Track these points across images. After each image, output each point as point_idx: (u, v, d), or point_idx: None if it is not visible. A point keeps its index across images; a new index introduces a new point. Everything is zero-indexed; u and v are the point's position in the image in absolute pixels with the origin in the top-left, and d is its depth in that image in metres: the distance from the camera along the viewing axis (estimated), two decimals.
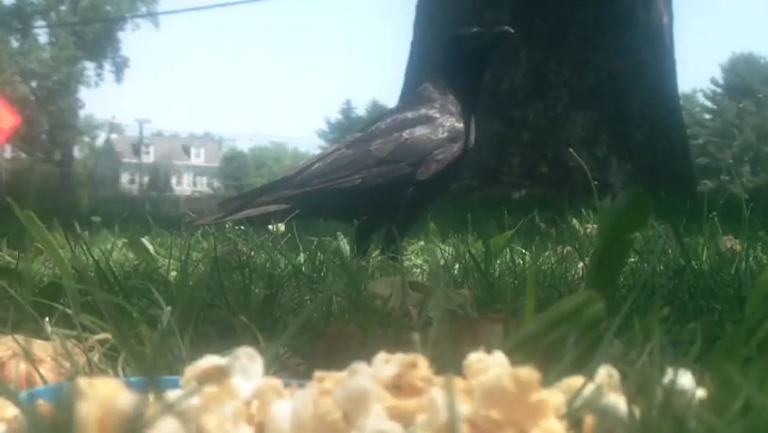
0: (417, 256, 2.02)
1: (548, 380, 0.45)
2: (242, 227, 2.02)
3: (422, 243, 2.20)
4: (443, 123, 1.91)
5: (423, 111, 1.93)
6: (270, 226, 1.99)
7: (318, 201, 1.87)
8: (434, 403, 0.40)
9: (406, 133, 1.90)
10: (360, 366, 0.43)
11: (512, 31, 1.97)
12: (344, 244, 1.77)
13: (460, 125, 1.92)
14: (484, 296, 1.11)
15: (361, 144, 1.92)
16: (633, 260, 1.31)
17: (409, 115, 1.94)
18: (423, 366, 0.43)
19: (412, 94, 2.17)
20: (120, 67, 34.35)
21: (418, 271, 1.66)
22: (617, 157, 5.37)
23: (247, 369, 0.45)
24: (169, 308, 0.78)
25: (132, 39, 79.68)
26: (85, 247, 1.29)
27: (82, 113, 39.34)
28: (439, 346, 0.47)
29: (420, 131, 1.90)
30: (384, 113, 2.14)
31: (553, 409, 0.40)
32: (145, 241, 1.95)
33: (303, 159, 2.42)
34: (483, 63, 1.99)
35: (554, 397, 0.41)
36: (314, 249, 1.57)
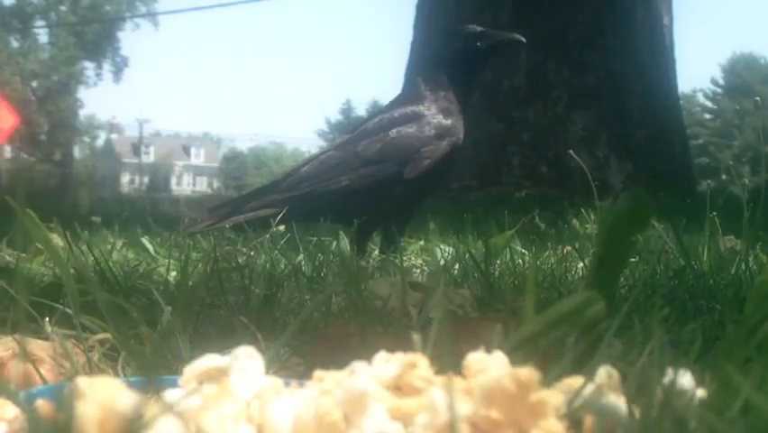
0: (417, 256, 2.02)
1: (548, 380, 0.45)
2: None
3: (422, 243, 2.20)
4: (431, 120, 1.90)
5: (410, 109, 1.92)
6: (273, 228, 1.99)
7: (308, 204, 1.87)
8: (434, 403, 0.40)
9: (392, 133, 1.89)
10: (360, 366, 0.43)
11: (524, 40, 1.96)
12: (344, 244, 1.77)
13: (448, 122, 1.91)
14: (484, 296, 1.11)
15: (348, 146, 1.92)
16: (633, 260, 1.31)
17: (396, 114, 1.93)
18: (423, 366, 0.43)
19: (403, 91, 2.16)
20: (120, 67, 34.34)
21: (418, 271, 1.66)
22: (617, 157, 5.37)
23: (247, 368, 0.45)
24: (169, 308, 0.78)
25: (132, 39, 79.80)
26: (85, 247, 1.29)
27: (82, 113, 39.29)
28: (439, 346, 0.47)
29: (407, 129, 1.89)
30: (374, 112, 2.14)
31: (553, 410, 0.40)
32: (145, 241, 1.95)
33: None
34: (482, 63, 1.99)
35: (554, 397, 0.41)
36: (313, 249, 1.57)
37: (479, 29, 1.97)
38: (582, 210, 2.53)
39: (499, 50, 1.98)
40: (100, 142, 50.48)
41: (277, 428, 0.41)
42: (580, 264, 1.40)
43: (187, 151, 54.11)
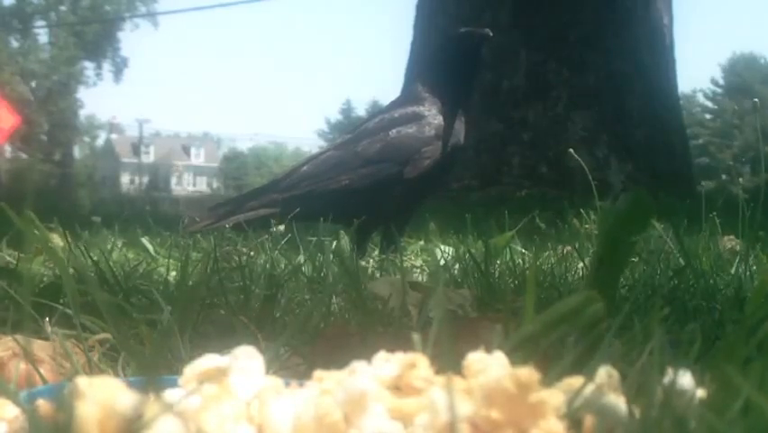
0: (417, 256, 2.02)
1: (548, 380, 0.45)
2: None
3: (422, 243, 2.20)
4: (431, 121, 1.91)
5: (410, 109, 1.93)
6: (273, 228, 1.99)
7: (308, 204, 1.87)
8: (434, 403, 0.40)
9: (393, 133, 1.90)
10: (360, 366, 0.43)
11: (491, 34, 1.96)
12: (344, 244, 1.77)
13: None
14: (484, 296, 1.11)
15: (349, 145, 1.93)
16: (633, 260, 1.31)
17: (396, 114, 1.94)
18: (423, 366, 0.43)
19: (402, 93, 2.18)
20: (119, 67, 34.31)
21: (418, 271, 1.66)
22: (617, 157, 5.37)
23: (247, 368, 0.45)
24: (169, 308, 0.78)
25: (132, 39, 79.88)
26: (84, 247, 1.29)
27: (82, 113, 39.29)
28: (439, 346, 0.47)
29: (407, 129, 1.90)
30: (374, 113, 2.15)
31: (553, 410, 0.40)
32: (145, 241, 1.95)
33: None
34: (473, 63, 1.99)
35: (554, 397, 0.41)
36: (314, 249, 1.57)
37: (461, 30, 1.97)
38: (582, 210, 2.53)
39: (479, 49, 1.97)
40: (100, 142, 50.50)
41: (277, 429, 0.41)
42: (580, 264, 1.40)
43: (187, 151, 54.09)
